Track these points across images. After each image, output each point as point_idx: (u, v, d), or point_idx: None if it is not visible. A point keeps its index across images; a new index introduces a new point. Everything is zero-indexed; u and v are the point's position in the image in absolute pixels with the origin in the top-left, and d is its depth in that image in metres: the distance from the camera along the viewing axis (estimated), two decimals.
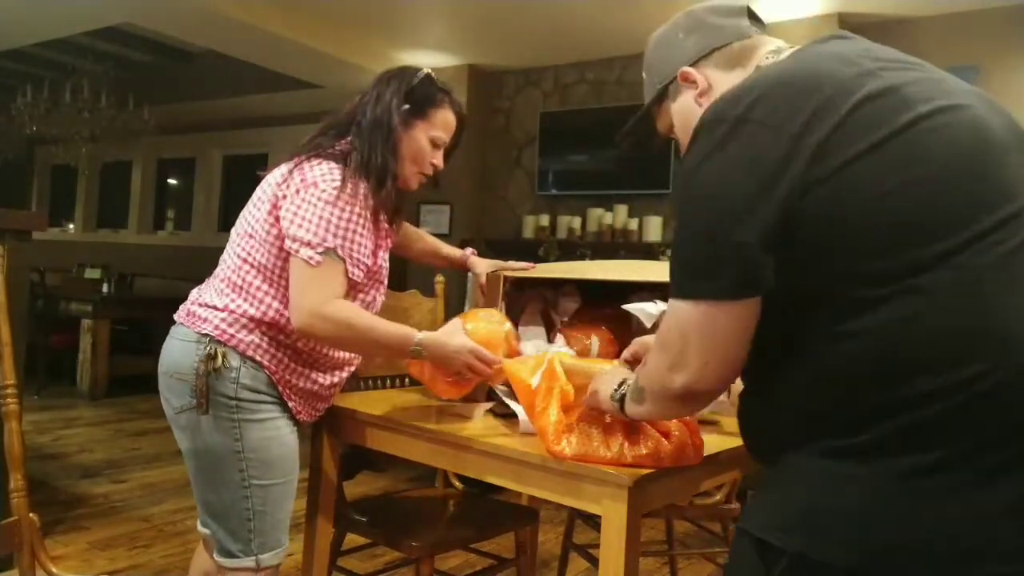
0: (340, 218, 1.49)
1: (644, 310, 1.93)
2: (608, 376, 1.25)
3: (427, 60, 5.59)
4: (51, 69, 6.88)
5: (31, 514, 1.43)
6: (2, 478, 1.49)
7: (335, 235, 1.48)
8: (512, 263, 1.93)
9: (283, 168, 1.58)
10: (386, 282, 1.69)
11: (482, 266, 1.93)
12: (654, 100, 1.18)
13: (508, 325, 1.64)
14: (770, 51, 1.08)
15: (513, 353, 1.60)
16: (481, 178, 5.89)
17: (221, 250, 1.64)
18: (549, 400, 1.34)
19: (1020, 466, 0.80)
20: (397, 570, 2.44)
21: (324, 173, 1.52)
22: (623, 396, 1.15)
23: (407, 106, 1.61)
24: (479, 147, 5.87)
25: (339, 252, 1.48)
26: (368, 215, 1.54)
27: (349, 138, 1.60)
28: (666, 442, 1.29)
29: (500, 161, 5.87)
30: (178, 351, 1.55)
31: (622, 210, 5.10)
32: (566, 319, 1.95)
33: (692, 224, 0.91)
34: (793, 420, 0.90)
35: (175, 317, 1.60)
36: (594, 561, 2.25)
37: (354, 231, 1.51)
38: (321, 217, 1.48)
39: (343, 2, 4.69)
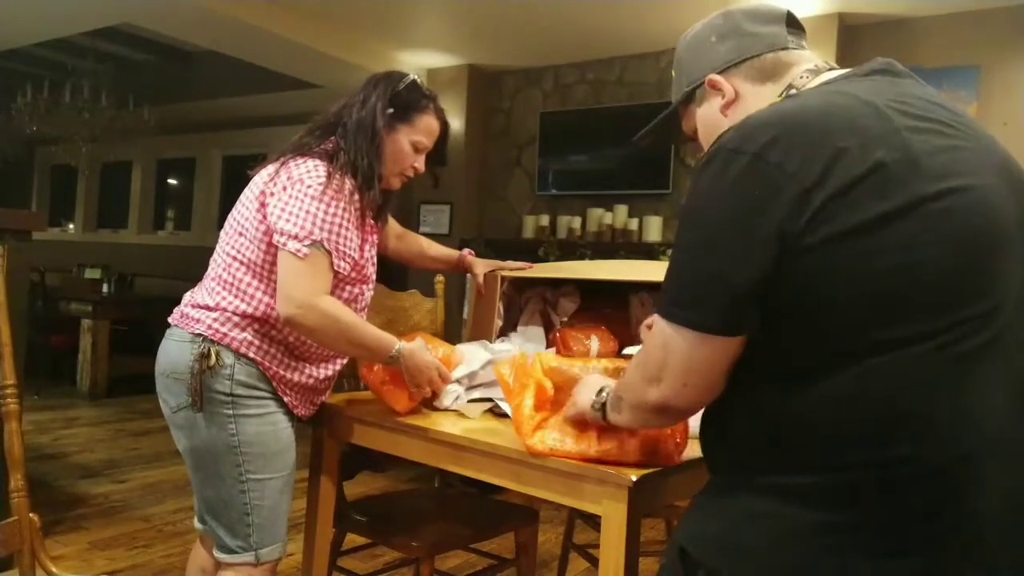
0: (326, 212, 1.52)
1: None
2: (587, 385, 1.26)
3: (427, 60, 5.59)
4: (51, 69, 6.88)
5: (31, 514, 1.43)
6: (2, 478, 1.49)
7: (321, 228, 1.51)
8: (510, 263, 1.94)
9: (270, 167, 1.61)
10: (373, 278, 1.72)
11: (480, 266, 1.96)
12: (681, 101, 1.15)
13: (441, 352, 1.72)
14: (806, 70, 1.03)
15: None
16: (481, 178, 5.88)
17: (213, 252, 1.66)
18: (523, 395, 1.35)
19: (920, 550, 0.82)
20: (397, 570, 2.44)
21: (310, 170, 1.56)
22: (603, 404, 1.17)
23: (391, 110, 1.66)
24: (479, 147, 5.87)
25: (325, 245, 1.52)
26: (354, 210, 1.57)
27: (334, 139, 1.64)
28: (633, 439, 1.29)
29: (500, 161, 5.87)
30: (174, 352, 1.58)
31: (622, 210, 5.10)
32: (565, 319, 1.95)
33: (691, 252, 0.91)
34: (740, 445, 0.93)
35: (170, 320, 1.63)
36: (594, 561, 2.25)
37: (340, 225, 1.54)
38: (307, 211, 1.51)
39: (343, 2, 4.69)
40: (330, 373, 1.69)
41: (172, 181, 8.74)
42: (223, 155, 7.96)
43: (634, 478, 1.25)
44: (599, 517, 1.30)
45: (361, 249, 1.62)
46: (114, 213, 8.93)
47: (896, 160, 0.84)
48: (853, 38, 4.28)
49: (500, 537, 2.28)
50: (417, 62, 5.62)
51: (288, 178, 1.55)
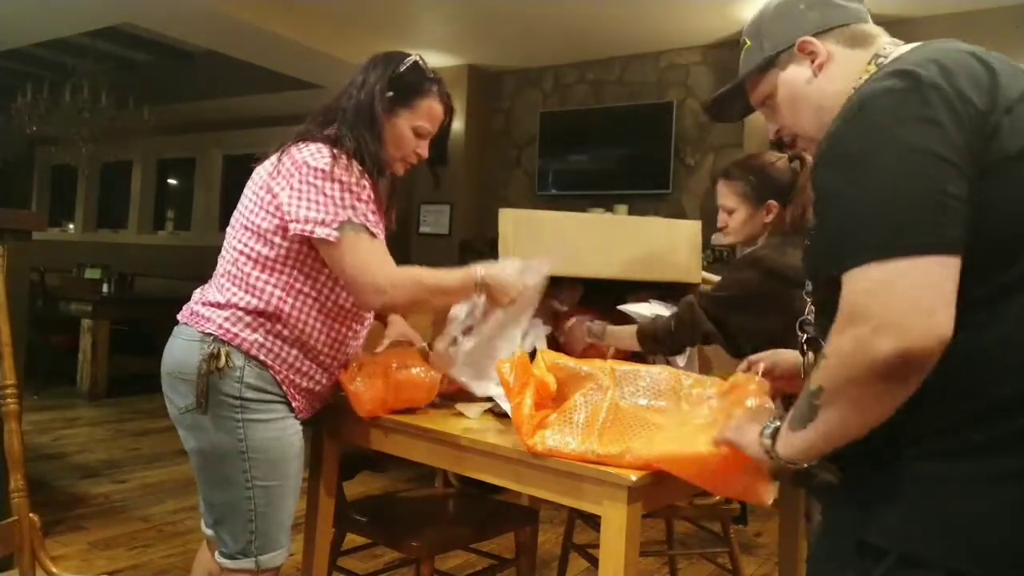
0: (341, 190, 1.48)
1: (639, 312, 1.93)
2: (749, 419, 1.08)
3: (427, 60, 5.58)
4: (51, 69, 6.88)
5: (31, 514, 1.43)
6: (2, 478, 1.49)
7: (343, 207, 1.48)
8: (416, 342, 1.84)
9: (272, 158, 1.58)
10: None
11: (393, 331, 1.86)
12: (759, 67, 1.16)
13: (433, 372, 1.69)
14: (889, 42, 1.08)
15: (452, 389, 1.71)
16: (481, 178, 5.89)
17: (221, 250, 1.63)
18: (523, 394, 1.35)
19: None
20: (397, 570, 2.44)
21: (312, 152, 1.51)
22: (775, 430, 0.99)
23: (391, 93, 1.59)
24: (479, 147, 5.87)
25: (354, 220, 1.48)
26: (367, 185, 1.54)
27: (335, 126, 1.59)
28: (636, 445, 1.28)
29: (500, 161, 5.87)
30: (181, 351, 1.53)
31: (622, 210, 5.10)
32: (566, 308, 1.95)
33: (894, 181, 0.85)
34: (914, 416, 0.87)
35: (178, 317, 1.59)
36: (594, 561, 2.25)
37: (358, 198, 1.50)
38: (323, 193, 1.47)
39: (343, 2, 4.69)
40: (335, 378, 1.65)
41: (172, 181, 8.74)
42: (223, 155, 7.96)
43: (634, 478, 1.25)
44: (599, 517, 1.30)
45: (379, 226, 1.58)
46: (114, 213, 8.94)
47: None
48: None
49: (500, 537, 2.28)
50: None
51: (292, 164, 1.51)
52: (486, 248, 1.99)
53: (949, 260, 0.82)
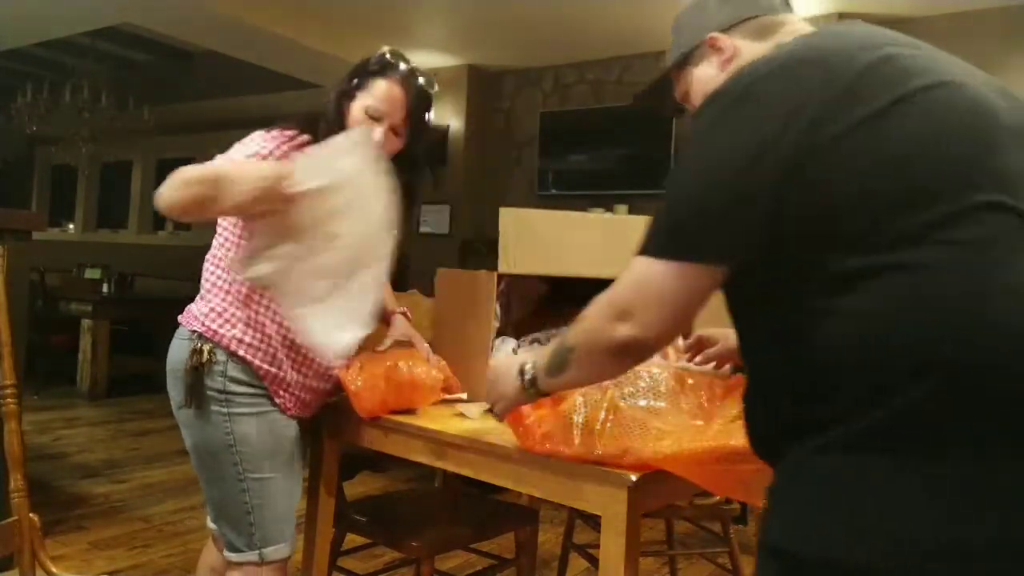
0: (239, 148, 1.54)
1: None
2: (503, 370, 1.24)
3: (427, 60, 5.58)
4: (51, 69, 6.89)
5: (31, 514, 1.43)
6: (2, 478, 1.49)
7: (228, 155, 1.54)
8: (417, 343, 1.81)
9: None
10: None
11: (396, 331, 1.81)
12: (676, 64, 1.19)
13: (435, 372, 1.70)
14: (794, 30, 1.09)
15: (454, 389, 1.73)
16: (481, 178, 5.89)
17: None
18: None
19: (1015, 457, 0.75)
20: (397, 570, 2.44)
21: (260, 133, 1.58)
22: (533, 377, 1.15)
23: (355, 80, 1.61)
24: (479, 147, 5.87)
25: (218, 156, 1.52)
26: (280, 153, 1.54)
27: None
28: (636, 445, 1.27)
29: (500, 161, 5.87)
30: (175, 349, 1.57)
31: (622, 210, 5.10)
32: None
33: (686, 188, 0.92)
34: (789, 413, 0.88)
35: (179, 319, 1.62)
36: (594, 561, 2.25)
37: (245, 154, 1.54)
38: (229, 150, 1.55)
39: (343, 2, 4.69)
40: (324, 373, 1.64)
41: None
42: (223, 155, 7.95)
43: (634, 478, 1.25)
44: (599, 517, 1.30)
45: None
46: (114, 213, 8.93)
47: (880, 60, 0.87)
48: None
49: (500, 537, 2.28)
50: (417, 62, 5.60)
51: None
52: (486, 248, 1.97)
53: (705, 269, 0.89)
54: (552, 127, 5.58)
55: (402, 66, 1.61)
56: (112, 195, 8.97)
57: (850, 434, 0.80)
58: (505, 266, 1.87)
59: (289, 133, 1.57)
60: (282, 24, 4.86)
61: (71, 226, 9.48)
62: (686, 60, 1.17)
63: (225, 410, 1.53)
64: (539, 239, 1.90)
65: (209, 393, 1.53)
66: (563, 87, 5.62)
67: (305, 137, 1.56)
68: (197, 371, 1.52)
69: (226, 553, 1.59)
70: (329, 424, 1.76)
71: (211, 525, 1.68)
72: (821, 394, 0.83)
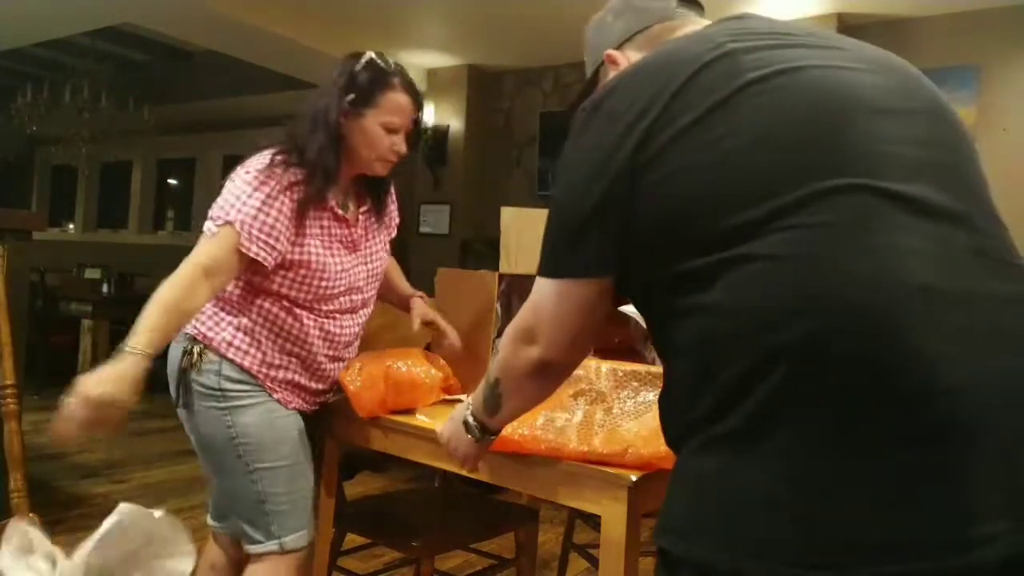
0: (251, 195, 1.48)
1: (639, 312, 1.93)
2: (450, 428, 1.25)
3: (427, 60, 5.59)
4: (51, 69, 6.89)
5: (31, 514, 1.43)
6: (2, 478, 1.49)
7: (239, 209, 1.47)
8: (439, 322, 1.80)
9: None
10: (337, 279, 1.60)
11: (418, 313, 1.80)
12: (589, 82, 1.19)
13: (434, 371, 1.70)
14: (680, 35, 1.05)
15: (454, 389, 1.72)
16: (481, 178, 5.88)
17: None
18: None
19: (892, 443, 0.72)
20: (397, 570, 2.44)
21: (255, 159, 1.55)
22: (478, 423, 1.17)
23: (352, 96, 1.56)
24: (479, 147, 5.87)
25: (236, 226, 1.46)
26: (289, 200, 1.51)
27: (295, 133, 1.60)
28: (637, 444, 1.28)
29: (500, 161, 5.87)
30: (172, 351, 1.59)
31: None
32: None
33: (552, 207, 0.96)
34: (675, 413, 0.89)
35: None
36: (594, 561, 2.25)
37: (257, 208, 1.48)
38: (230, 193, 1.50)
39: (343, 2, 4.69)
40: (320, 373, 1.64)
41: (172, 181, 8.74)
42: (223, 155, 7.95)
43: (634, 478, 1.25)
44: (599, 517, 1.30)
45: (298, 239, 1.54)
46: (114, 213, 8.93)
47: (714, 59, 0.86)
48: (853, 38, 4.28)
49: (500, 537, 2.28)
50: (417, 62, 5.63)
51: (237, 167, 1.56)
52: (486, 248, 1.97)
53: (583, 284, 0.92)
54: (552, 127, 5.58)
55: (396, 70, 1.61)
56: (112, 195, 8.97)
57: (711, 435, 0.80)
58: (506, 266, 1.87)
59: (290, 178, 1.53)
60: (282, 24, 4.86)
61: (71, 226, 9.48)
62: (595, 77, 1.17)
63: (223, 404, 1.55)
64: (540, 238, 1.90)
65: (206, 391, 1.55)
66: (563, 87, 5.61)
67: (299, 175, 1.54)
68: (186, 372, 1.55)
69: (247, 547, 1.59)
70: (329, 424, 1.76)
71: (212, 523, 1.68)
72: (694, 395, 0.83)
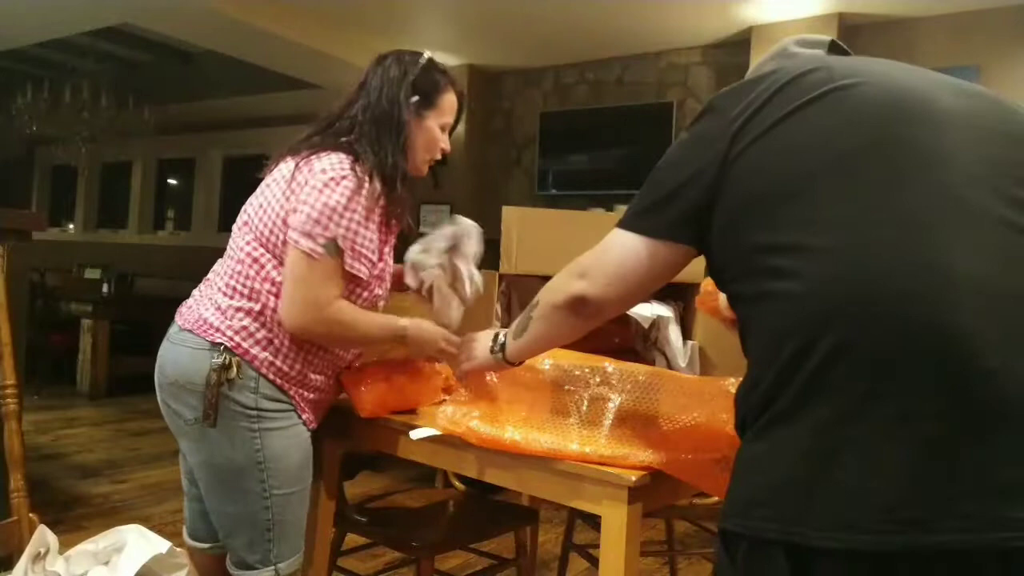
0: (346, 208, 1.42)
1: (639, 312, 1.93)
2: (483, 332, 1.38)
3: None
4: (51, 69, 6.88)
5: (31, 514, 1.43)
6: (2, 478, 1.49)
7: (337, 224, 1.42)
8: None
9: (289, 164, 1.50)
10: (389, 281, 1.62)
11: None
12: None
13: (436, 372, 1.70)
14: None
15: (454, 389, 1.68)
16: (481, 178, 5.88)
17: (221, 250, 1.59)
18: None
19: (905, 421, 0.78)
20: (397, 570, 2.44)
21: (333, 163, 1.45)
22: (503, 342, 1.31)
23: (416, 98, 1.56)
24: (479, 147, 5.87)
25: (339, 243, 1.42)
26: (378, 211, 1.48)
27: (352, 135, 1.52)
28: (637, 445, 1.28)
29: (500, 161, 5.87)
30: (189, 360, 1.45)
31: (622, 210, 5.05)
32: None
33: (651, 178, 1.05)
34: (741, 400, 0.94)
35: (180, 323, 1.51)
36: (594, 561, 2.25)
37: (359, 223, 1.44)
38: (325, 205, 1.41)
39: (343, 2, 4.69)
40: (337, 385, 1.62)
41: (172, 181, 8.74)
42: (223, 155, 7.96)
43: (634, 478, 1.25)
44: (599, 517, 1.30)
45: (381, 252, 1.54)
46: (114, 213, 8.93)
47: (811, 69, 0.96)
48: (853, 38, 4.27)
49: (500, 537, 2.28)
50: None
51: (309, 171, 1.45)
52: (486, 248, 1.97)
53: (652, 243, 1.02)
54: (552, 127, 5.58)
55: (449, 74, 1.66)
56: (112, 195, 8.97)
57: (762, 422, 0.87)
58: (506, 266, 1.88)
59: (375, 188, 1.47)
60: (282, 24, 4.86)
61: (71, 226, 9.48)
62: None
63: (256, 426, 1.45)
64: (541, 239, 1.90)
65: (238, 409, 1.44)
66: (563, 87, 5.62)
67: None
68: (219, 388, 1.42)
69: (236, 571, 1.52)
70: (330, 424, 1.75)
71: (189, 541, 1.62)
72: (756, 381, 0.89)
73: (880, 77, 0.94)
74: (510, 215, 1.90)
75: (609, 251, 1.06)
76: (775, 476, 0.84)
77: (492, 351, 1.33)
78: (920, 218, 0.83)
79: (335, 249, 1.42)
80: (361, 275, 1.47)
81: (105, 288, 6.23)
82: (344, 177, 1.43)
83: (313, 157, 1.47)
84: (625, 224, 1.05)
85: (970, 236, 0.82)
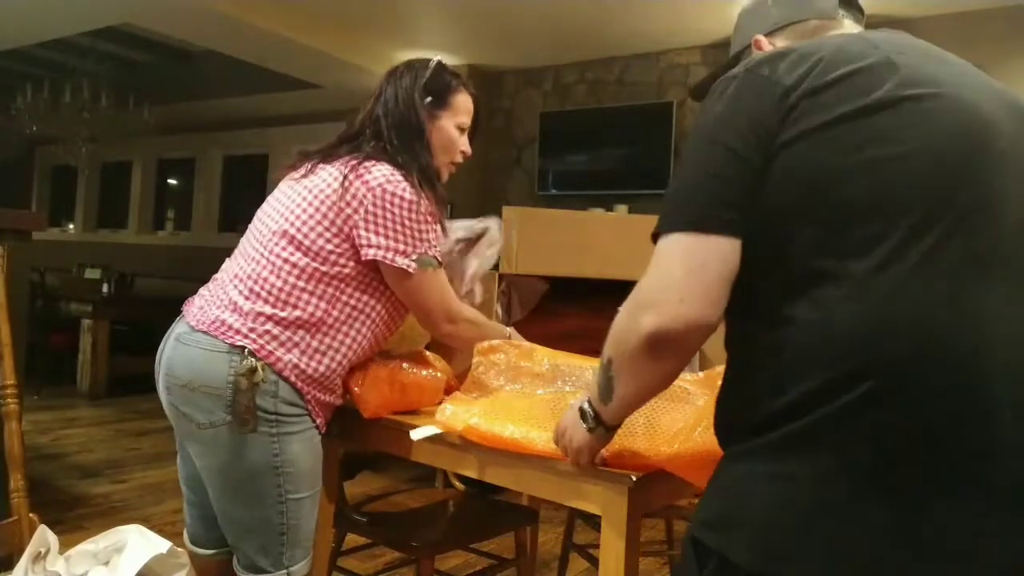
0: (419, 221, 1.50)
1: None
2: (569, 417, 1.16)
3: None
4: (51, 69, 6.88)
5: (31, 514, 1.43)
6: (2, 478, 1.49)
7: (422, 240, 1.50)
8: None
9: (331, 172, 1.51)
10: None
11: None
12: (727, 65, 1.16)
13: (438, 373, 1.70)
14: (837, 34, 1.05)
15: (454, 390, 1.69)
16: (481, 178, 5.89)
17: (221, 250, 1.59)
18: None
19: (920, 487, 0.75)
20: (397, 570, 2.45)
21: (388, 176, 1.49)
22: (594, 413, 1.08)
23: (429, 98, 1.61)
24: (479, 147, 5.86)
25: (429, 254, 1.51)
26: (435, 212, 1.55)
27: (382, 143, 1.55)
28: (637, 444, 1.28)
29: (500, 161, 5.87)
30: (205, 362, 1.42)
31: (622, 210, 5.10)
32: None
33: (686, 161, 0.92)
34: (727, 404, 0.90)
35: (194, 324, 1.47)
36: (594, 561, 2.25)
37: (434, 233, 1.53)
38: (403, 223, 1.48)
39: (343, 2, 4.69)
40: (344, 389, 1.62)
41: (172, 181, 8.74)
42: (223, 155, 7.96)
43: (634, 478, 1.24)
44: (599, 517, 1.30)
45: None
46: (114, 213, 8.93)
47: (877, 63, 0.86)
48: None
49: (500, 537, 2.28)
50: None
51: (367, 188, 1.47)
52: None
53: (713, 239, 0.84)
54: (552, 127, 5.58)
55: (462, 77, 1.71)
56: (112, 195, 8.97)
57: (758, 443, 0.82)
58: (506, 266, 1.87)
59: (429, 196, 1.54)
60: (282, 24, 4.86)
61: (71, 226, 9.48)
62: (737, 59, 1.15)
63: (275, 431, 1.44)
64: (541, 239, 1.90)
65: (259, 414, 1.42)
66: (563, 87, 5.62)
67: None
68: (242, 392, 1.40)
69: (244, 574, 1.51)
70: (330, 424, 1.75)
71: (190, 547, 1.62)
72: (755, 401, 0.84)
73: (951, 90, 0.86)
74: (510, 215, 1.90)
75: (660, 265, 0.86)
76: (765, 506, 0.81)
77: (591, 430, 1.10)
78: (972, 274, 0.78)
79: (429, 260, 1.51)
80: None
81: (105, 288, 6.23)
82: (410, 193, 1.50)
83: (362, 168, 1.50)
84: (668, 225, 0.88)
85: (1000, 298, 0.78)
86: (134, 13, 4.81)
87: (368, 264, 1.49)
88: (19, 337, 1.71)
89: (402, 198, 1.48)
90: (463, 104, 1.67)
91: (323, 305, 1.47)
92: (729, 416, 0.92)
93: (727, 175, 0.85)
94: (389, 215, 1.47)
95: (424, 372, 1.67)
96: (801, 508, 0.78)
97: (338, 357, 1.51)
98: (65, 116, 6.39)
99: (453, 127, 1.66)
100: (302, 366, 1.46)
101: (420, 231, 1.50)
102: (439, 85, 1.63)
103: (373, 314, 1.54)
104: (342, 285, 1.49)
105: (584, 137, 5.42)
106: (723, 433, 0.93)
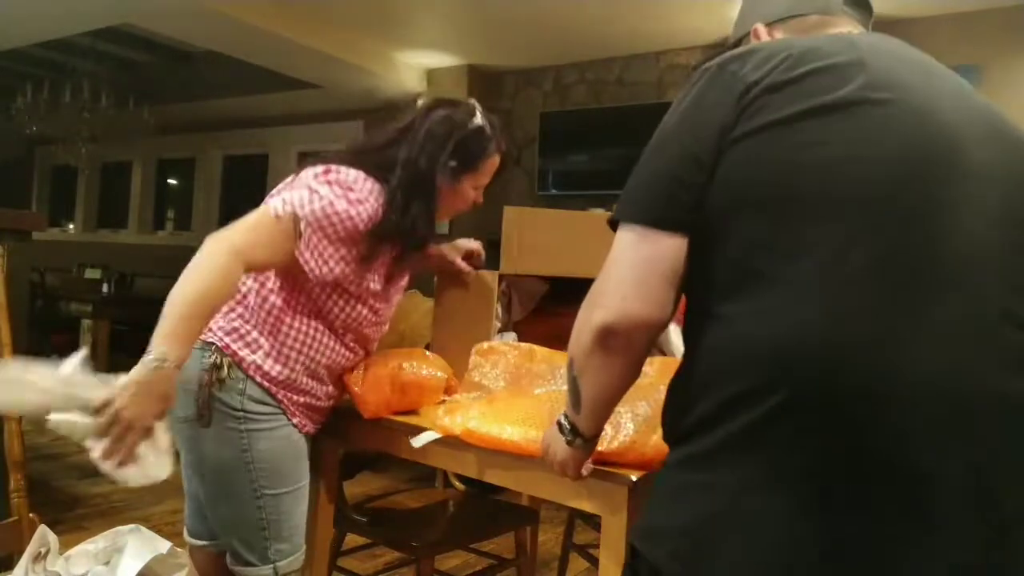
0: (335, 209, 1.39)
1: None
2: (550, 432, 1.15)
3: (427, 60, 5.58)
4: (51, 69, 6.88)
5: (31, 514, 1.43)
6: (2, 478, 1.49)
7: (314, 212, 1.38)
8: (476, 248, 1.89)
9: (312, 170, 1.48)
10: (384, 312, 1.61)
11: (454, 253, 1.87)
12: (731, 46, 1.15)
13: (438, 373, 1.68)
14: (831, 32, 1.03)
15: (454, 390, 1.69)
16: None
17: None
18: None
19: (838, 499, 0.74)
20: (397, 570, 2.44)
21: (354, 177, 1.44)
22: (570, 424, 1.06)
23: (454, 163, 1.53)
24: None
25: (302, 225, 1.37)
26: (360, 246, 1.44)
27: (391, 181, 1.49)
28: (638, 441, 1.28)
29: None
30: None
31: None
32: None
33: (646, 155, 0.92)
34: (674, 415, 0.90)
35: None
36: (594, 561, 2.25)
37: (337, 233, 1.40)
38: (318, 193, 1.39)
39: (343, 2, 4.69)
40: (334, 392, 1.62)
41: (172, 181, 8.74)
42: (223, 155, 7.96)
43: (634, 478, 1.25)
44: (599, 517, 1.30)
45: (388, 294, 1.55)
46: (114, 213, 8.94)
47: (845, 63, 0.84)
48: None
49: (500, 537, 2.28)
50: (417, 62, 5.62)
51: (325, 171, 1.44)
52: (486, 248, 1.97)
53: (661, 237, 0.85)
54: (552, 127, 5.58)
55: (499, 131, 1.60)
56: (112, 195, 8.97)
57: (694, 450, 0.82)
58: (507, 266, 1.87)
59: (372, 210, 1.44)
60: (282, 24, 4.86)
61: (71, 226, 9.48)
62: (738, 44, 1.13)
63: (242, 427, 1.46)
64: (541, 239, 1.89)
65: (225, 410, 1.45)
66: (563, 87, 5.62)
67: None
68: (208, 388, 1.43)
69: (237, 568, 1.53)
70: (330, 424, 1.75)
71: (189, 538, 1.63)
72: (693, 402, 0.83)
73: (910, 95, 0.83)
74: (510, 215, 1.90)
75: (613, 260, 0.87)
76: (687, 516, 0.81)
77: (569, 443, 1.07)
78: (903, 285, 0.76)
79: (293, 224, 1.37)
80: (306, 268, 1.41)
81: (105, 288, 6.23)
82: (352, 187, 1.43)
83: (341, 164, 1.46)
84: (619, 215, 0.89)
85: (941, 315, 0.75)
86: (134, 13, 4.80)
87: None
88: (19, 337, 1.71)
89: (342, 183, 1.41)
90: (491, 167, 1.60)
91: (279, 303, 1.48)
92: (668, 418, 0.92)
93: (678, 175, 0.86)
94: (315, 183, 1.42)
95: (424, 371, 1.67)
96: (722, 518, 0.78)
97: (303, 360, 1.50)
98: (65, 116, 6.39)
99: (471, 188, 1.60)
100: (265, 367, 1.47)
101: (323, 208, 1.38)
102: (474, 148, 1.55)
103: (324, 312, 1.50)
104: (289, 280, 1.47)
105: (584, 137, 5.42)
106: (665, 436, 0.93)
